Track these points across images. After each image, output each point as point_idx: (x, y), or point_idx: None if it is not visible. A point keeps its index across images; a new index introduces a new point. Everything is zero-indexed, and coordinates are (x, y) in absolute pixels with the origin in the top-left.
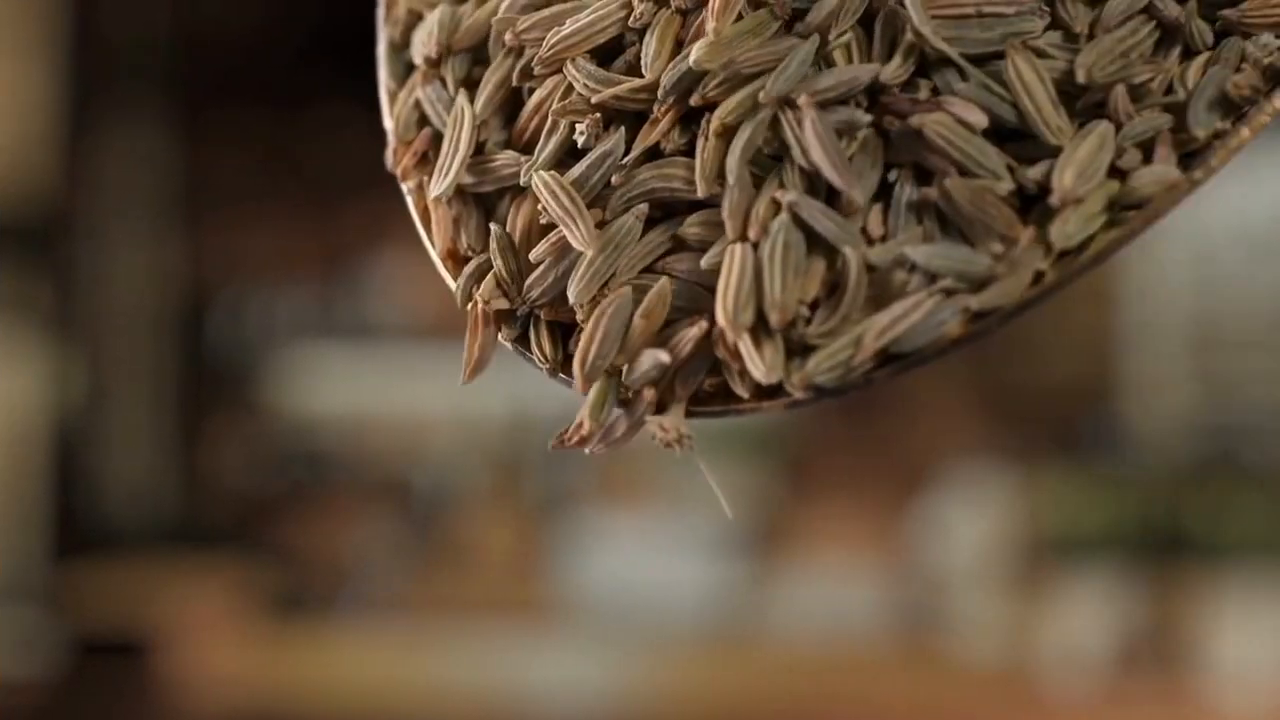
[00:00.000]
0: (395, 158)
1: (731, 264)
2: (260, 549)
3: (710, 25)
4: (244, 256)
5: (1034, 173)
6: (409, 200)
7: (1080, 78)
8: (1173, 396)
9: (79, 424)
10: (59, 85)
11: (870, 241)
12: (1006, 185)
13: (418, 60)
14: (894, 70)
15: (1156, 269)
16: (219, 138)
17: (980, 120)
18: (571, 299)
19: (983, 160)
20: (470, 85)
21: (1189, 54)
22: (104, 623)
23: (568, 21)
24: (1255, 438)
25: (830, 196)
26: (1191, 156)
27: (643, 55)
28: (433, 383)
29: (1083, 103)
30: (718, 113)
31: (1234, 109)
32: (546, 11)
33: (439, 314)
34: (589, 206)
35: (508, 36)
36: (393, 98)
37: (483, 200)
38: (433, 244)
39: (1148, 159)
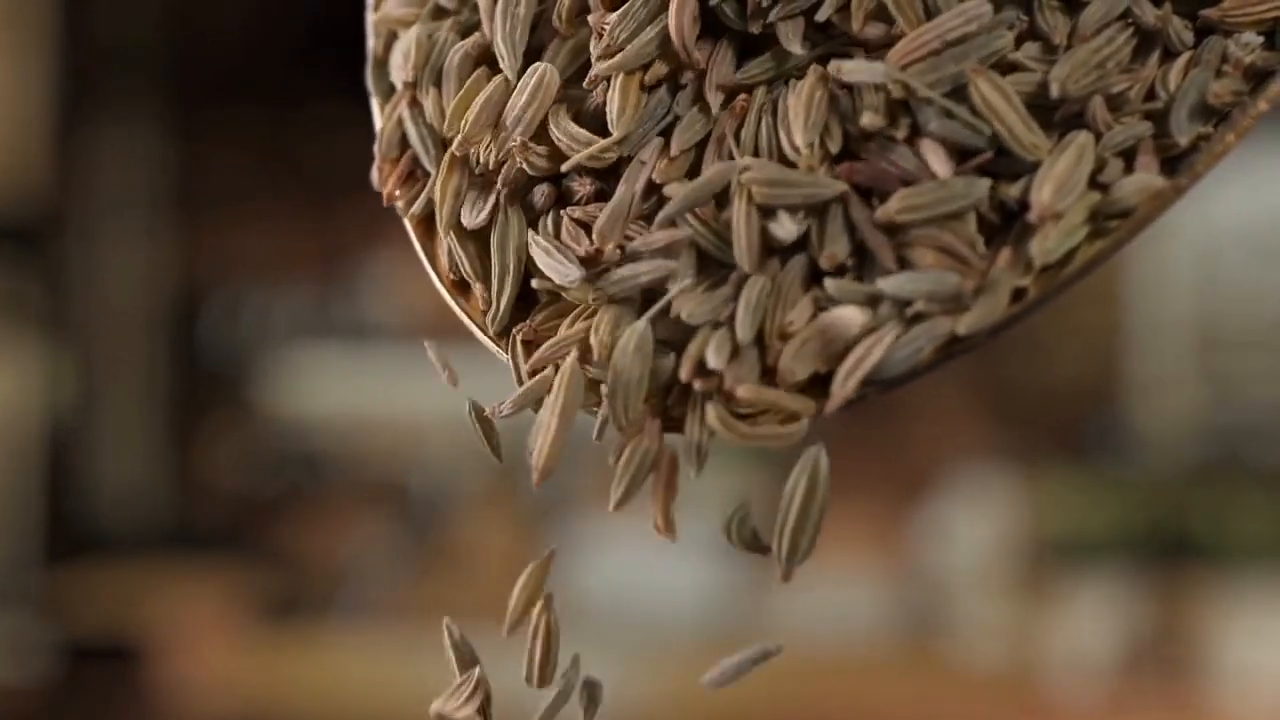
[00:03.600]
0: (381, 176)
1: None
2: (255, 552)
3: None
4: (239, 256)
5: (1014, 190)
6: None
7: (1054, 92)
8: (1178, 397)
9: (71, 425)
10: (51, 83)
11: (843, 271)
12: (968, 230)
13: (396, 83)
14: (872, 121)
15: (1161, 269)
16: (213, 136)
17: (944, 171)
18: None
19: (951, 207)
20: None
21: (1170, 54)
22: (96, 627)
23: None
24: (1262, 439)
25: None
26: (1176, 160)
27: (608, 110)
28: (430, 384)
29: (1061, 114)
30: (666, 215)
31: (1216, 113)
32: (485, 100)
33: (436, 315)
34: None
35: (456, 149)
36: (380, 110)
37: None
38: (431, 263)
39: (1130, 168)
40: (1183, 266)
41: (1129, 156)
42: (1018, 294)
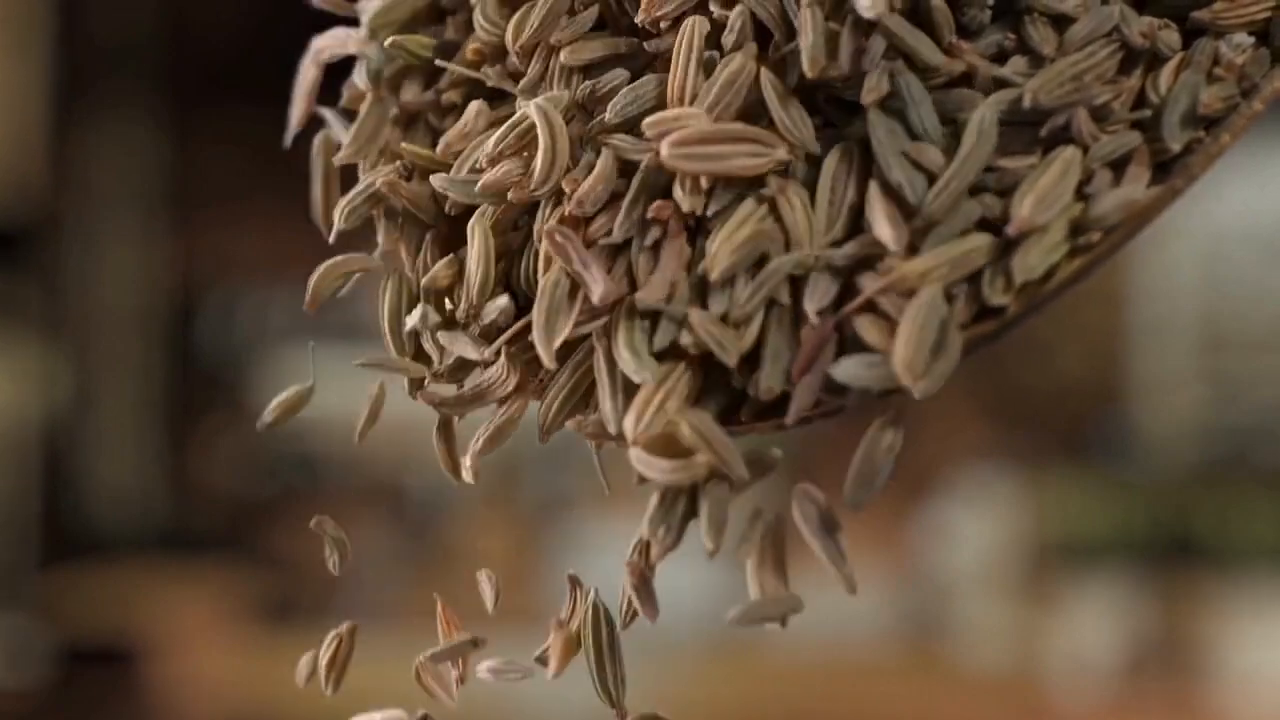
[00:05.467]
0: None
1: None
2: (251, 554)
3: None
4: (234, 257)
5: (996, 205)
6: None
7: (1026, 101)
8: (1182, 398)
9: (66, 427)
10: (47, 84)
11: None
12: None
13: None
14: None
15: (1165, 269)
16: (208, 136)
17: (890, 240)
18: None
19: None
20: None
21: (1159, 60)
22: (92, 630)
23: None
24: (1266, 440)
25: None
26: (1170, 164)
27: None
28: None
29: (1047, 128)
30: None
31: (1209, 118)
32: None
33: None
34: None
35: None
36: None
37: None
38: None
39: (1119, 178)
40: (1186, 267)
41: (1119, 166)
42: (998, 311)
